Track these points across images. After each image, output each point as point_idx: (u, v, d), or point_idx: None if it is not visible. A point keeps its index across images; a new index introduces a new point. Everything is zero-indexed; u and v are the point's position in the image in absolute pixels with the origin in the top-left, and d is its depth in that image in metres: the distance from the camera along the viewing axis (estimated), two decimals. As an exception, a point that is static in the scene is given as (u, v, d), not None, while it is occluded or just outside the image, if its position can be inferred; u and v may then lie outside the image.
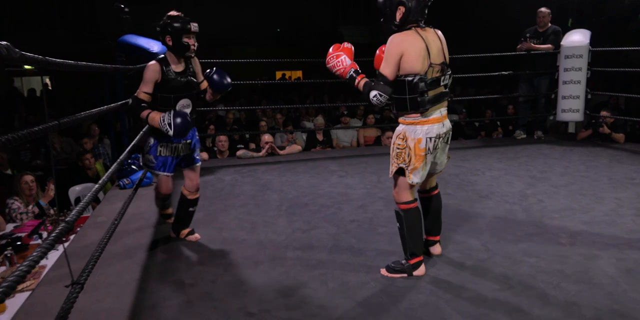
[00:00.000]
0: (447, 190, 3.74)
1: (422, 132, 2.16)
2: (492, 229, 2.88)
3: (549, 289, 2.12)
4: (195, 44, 2.56)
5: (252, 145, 5.78)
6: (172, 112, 2.51)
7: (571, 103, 5.46)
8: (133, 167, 4.06)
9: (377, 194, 3.69)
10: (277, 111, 7.84)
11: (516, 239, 2.71)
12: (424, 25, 2.17)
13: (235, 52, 14.99)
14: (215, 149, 5.37)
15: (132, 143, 3.25)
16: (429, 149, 2.19)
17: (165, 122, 2.47)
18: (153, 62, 2.54)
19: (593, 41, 5.37)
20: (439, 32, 2.24)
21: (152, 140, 2.67)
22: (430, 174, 2.38)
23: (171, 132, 2.46)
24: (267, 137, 5.38)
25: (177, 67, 2.59)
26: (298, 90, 12.68)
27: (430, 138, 2.18)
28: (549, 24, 5.46)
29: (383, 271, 2.33)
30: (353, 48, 2.31)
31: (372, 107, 7.84)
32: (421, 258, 2.30)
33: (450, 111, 7.74)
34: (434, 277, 2.28)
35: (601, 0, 15.74)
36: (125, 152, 2.99)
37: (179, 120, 2.47)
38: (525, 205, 3.29)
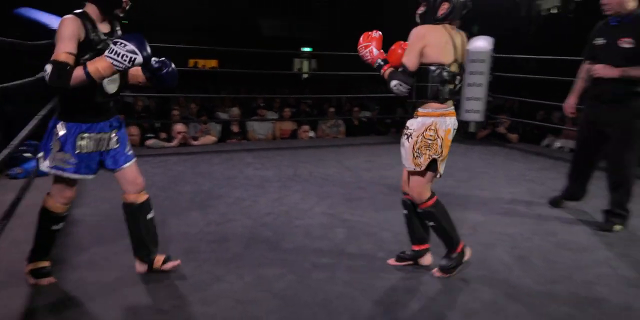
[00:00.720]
0: (361, 184, 3.85)
1: (451, 123, 2.18)
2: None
3: (453, 276, 2.27)
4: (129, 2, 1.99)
5: (163, 135, 5.50)
6: (120, 37, 1.81)
7: (473, 104, 5.87)
8: (26, 155, 3.68)
9: (293, 187, 3.70)
10: (191, 100, 7.55)
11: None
12: (453, 25, 2.22)
13: (150, 36, 14.21)
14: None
15: (28, 128, 2.93)
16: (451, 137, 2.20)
17: (125, 51, 1.76)
18: (69, 15, 1.85)
19: (495, 48, 5.81)
20: (464, 35, 2.27)
21: (62, 130, 1.93)
22: None
23: (140, 58, 1.78)
24: (179, 127, 5.16)
25: (102, 27, 1.94)
26: (213, 80, 12.31)
27: (455, 129, 2.21)
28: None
29: (437, 272, 2.27)
30: (381, 36, 2.29)
31: (288, 100, 7.86)
32: (462, 242, 2.28)
33: (363, 108, 8.01)
34: (348, 268, 2.33)
35: (502, 13, 17.09)
36: (18, 138, 2.69)
37: (134, 39, 1.79)
38: (432, 199, 3.49)
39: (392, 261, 2.41)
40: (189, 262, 2.33)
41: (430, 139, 2.15)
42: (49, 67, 1.77)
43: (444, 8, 2.12)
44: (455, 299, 2.07)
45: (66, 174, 1.97)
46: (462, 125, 6.62)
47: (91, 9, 1.92)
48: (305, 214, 3.10)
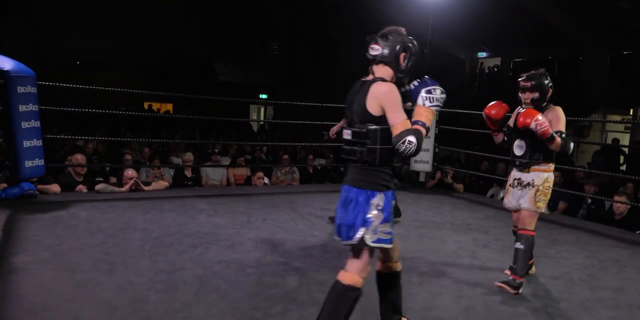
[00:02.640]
0: (314, 232, 3.90)
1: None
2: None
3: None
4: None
5: (113, 179, 5.39)
6: (420, 85, 1.99)
7: (422, 155, 6.16)
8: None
9: (247, 235, 3.69)
10: (144, 144, 7.47)
11: (373, 279, 2.91)
12: None
13: (98, 77, 14.08)
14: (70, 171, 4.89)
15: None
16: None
17: (438, 95, 1.97)
18: (388, 83, 1.95)
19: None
20: None
21: (381, 200, 1.95)
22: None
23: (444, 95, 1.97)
24: (130, 173, 5.07)
25: None
26: (167, 124, 12.24)
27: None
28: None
29: (503, 285, 2.78)
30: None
31: (244, 147, 7.93)
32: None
33: (318, 155, 8.20)
34: (300, 317, 2.34)
35: (446, 69, 18.28)
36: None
37: (432, 81, 2.00)
38: (383, 247, 3.58)
39: (507, 271, 3.01)
40: (135, 312, 2.27)
41: (548, 189, 2.90)
42: (413, 138, 1.84)
43: (550, 92, 2.89)
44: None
45: (387, 245, 1.96)
46: (412, 175, 6.89)
47: (386, 72, 1.98)
48: (258, 261, 3.10)
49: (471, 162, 8.85)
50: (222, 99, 5.89)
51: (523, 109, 2.90)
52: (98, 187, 4.89)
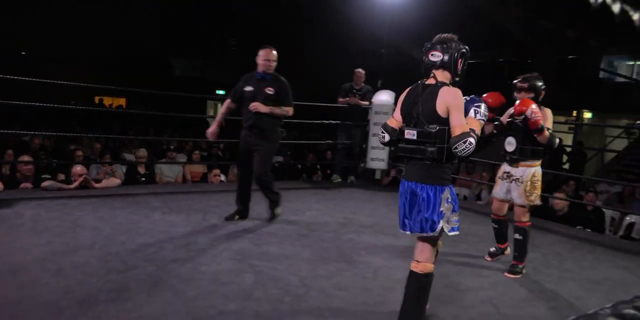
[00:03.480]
0: (270, 229, 3.91)
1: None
2: (310, 266, 3.10)
3: (355, 319, 2.37)
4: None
5: (61, 176, 5.18)
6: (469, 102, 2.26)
7: (378, 153, 6.28)
8: None
9: (202, 232, 3.65)
10: (95, 140, 7.21)
11: (330, 275, 2.96)
12: None
13: (45, 69, 13.43)
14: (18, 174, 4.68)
15: None
16: None
17: (484, 110, 2.25)
18: (456, 88, 2.16)
19: (396, 101, 6.34)
20: None
21: (449, 194, 2.19)
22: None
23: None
24: (79, 169, 4.88)
25: None
26: (120, 119, 11.86)
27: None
28: (363, 84, 6.29)
29: (509, 275, 3.13)
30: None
31: (200, 144, 7.80)
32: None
33: (276, 153, 8.16)
34: (255, 314, 2.35)
35: (403, 69, 18.63)
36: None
37: (478, 100, 2.30)
38: (339, 243, 3.63)
39: (487, 257, 3.45)
40: (85, 313, 2.21)
41: (538, 181, 3.16)
42: (473, 140, 2.03)
43: (542, 94, 3.20)
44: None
45: (457, 232, 2.20)
46: (368, 173, 7.00)
47: (446, 76, 2.18)
48: (213, 259, 3.07)
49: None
50: (178, 94, 5.77)
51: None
52: (45, 184, 4.68)
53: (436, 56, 2.16)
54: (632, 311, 0.81)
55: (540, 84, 3.14)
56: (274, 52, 3.93)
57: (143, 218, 3.92)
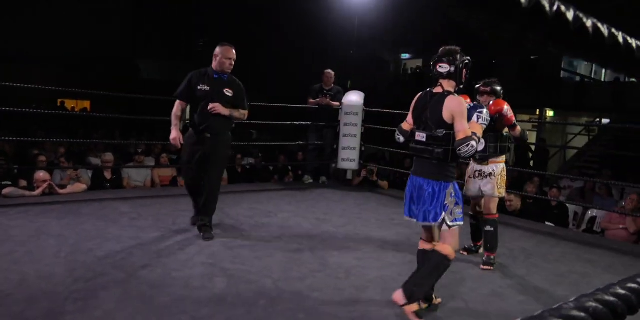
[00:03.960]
0: (243, 232, 3.88)
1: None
2: (283, 268, 3.09)
3: (329, 319, 2.38)
4: None
5: (23, 183, 4.99)
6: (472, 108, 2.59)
7: (349, 153, 6.31)
8: None
9: (172, 237, 3.59)
10: (58, 144, 6.99)
11: (303, 276, 2.97)
12: None
13: (7, 71, 12.93)
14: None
15: None
16: None
17: (485, 115, 2.60)
18: (460, 97, 2.52)
19: (366, 102, 6.39)
20: None
21: (453, 189, 2.48)
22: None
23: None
24: (42, 175, 4.71)
25: None
26: (84, 123, 11.53)
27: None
28: (333, 84, 6.32)
29: (485, 266, 3.33)
30: None
31: (170, 147, 7.67)
32: None
33: (247, 155, 8.12)
34: (228, 318, 2.32)
35: (372, 70, 18.82)
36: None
37: (481, 106, 2.73)
38: (311, 245, 3.64)
39: (462, 251, 3.55)
40: (51, 324, 2.14)
41: (503, 176, 3.41)
42: (475, 143, 2.32)
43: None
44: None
45: (460, 223, 2.44)
46: (339, 173, 7.03)
47: (451, 85, 2.45)
48: (185, 264, 3.03)
49: (395, 159, 9.19)
50: (145, 96, 5.66)
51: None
52: (5, 191, 4.51)
53: (444, 68, 2.43)
54: (593, 304, 0.85)
55: (499, 88, 3.43)
56: (234, 51, 3.62)
57: (111, 224, 3.83)
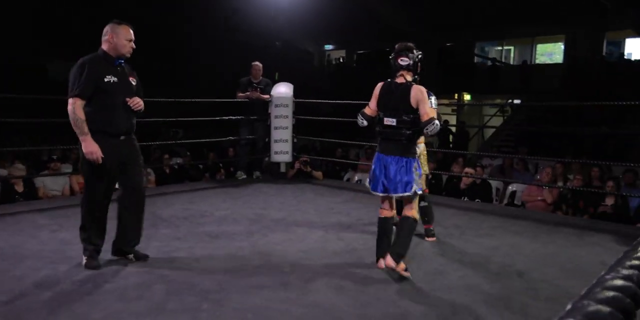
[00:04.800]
0: (178, 234, 3.70)
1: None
2: (225, 268, 2.98)
3: (279, 315, 2.32)
4: None
5: None
6: None
7: (281, 146, 6.25)
8: None
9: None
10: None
11: (247, 274, 2.87)
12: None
13: None
14: None
15: None
16: None
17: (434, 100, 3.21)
18: (421, 86, 2.87)
19: (295, 93, 6.34)
20: None
21: (416, 164, 2.94)
22: None
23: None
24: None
25: None
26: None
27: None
28: (261, 77, 6.19)
29: (429, 238, 3.64)
30: None
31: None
32: None
33: (174, 154, 7.80)
34: (171, 327, 2.19)
35: (297, 61, 18.79)
36: None
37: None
38: (252, 241, 3.54)
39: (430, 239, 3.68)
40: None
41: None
42: (437, 122, 2.73)
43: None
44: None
45: (422, 191, 2.95)
46: (273, 167, 6.95)
47: (410, 76, 2.86)
48: (117, 274, 2.82)
49: (326, 149, 9.26)
50: (54, 97, 5.19)
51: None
52: None
53: (405, 61, 2.82)
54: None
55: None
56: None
57: (28, 238, 3.49)
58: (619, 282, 0.73)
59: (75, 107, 2.79)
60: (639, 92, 9.75)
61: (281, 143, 6.24)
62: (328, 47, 20.08)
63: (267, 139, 6.36)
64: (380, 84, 2.94)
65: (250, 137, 6.25)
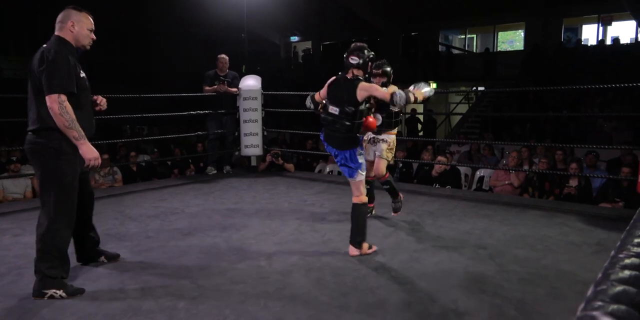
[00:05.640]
0: (149, 233, 3.61)
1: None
2: (200, 265, 2.93)
3: (258, 310, 2.29)
4: None
5: None
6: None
7: (252, 139, 6.17)
8: None
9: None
10: None
11: (223, 270, 2.83)
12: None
13: None
14: None
15: None
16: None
17: (428, 86, 3.12)
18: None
19: (263, 86, 6.26)
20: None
21: (360, 151, 3.10)
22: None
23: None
24: None
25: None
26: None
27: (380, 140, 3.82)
28: (228, 70, 6.08)
29: (396, 213, 3.92)
30: None
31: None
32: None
33: (141, 151, 7.60)
34: (148, 328, 2.14)
35: (264, 53, 18.57)
36: None
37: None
38: (226, 236, 3.49)
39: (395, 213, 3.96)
40: None
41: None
42: (398, 92, 2.88)
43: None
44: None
45: (363, 178, 3.08)
46: (243, 161, 6.87)
47: (360, 73, 3.01)
48: (88, 278, 2.73)
49: (297, 141, 9.22)
50: (10, 96, 4.95)
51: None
52: None
53: (354, 60, 2.99)
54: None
55: (389, 68, 3.71)
56: None
57: (-10, 244, 3.33)
58: (636, 261, 0.74)
59: (64, 105, 2.37)
60: (596, 77, 10.11)
61: (251, 136, 6.17)
62: (294, 39, 19.92)
63: (236, 133, 6.26)
64: (333, 77, 3.15)
65: (219, 131, 6.15)
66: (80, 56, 2.61)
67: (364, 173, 3.08)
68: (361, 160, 3.04)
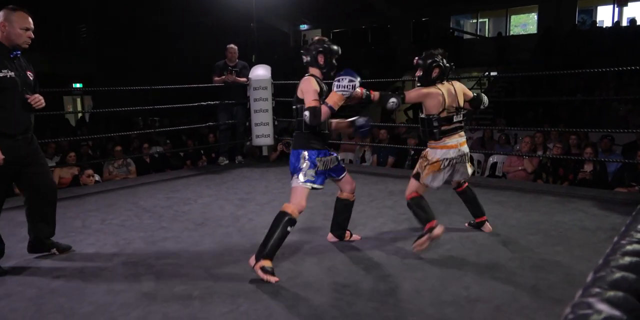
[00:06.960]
0: (163, 223, 3.65)
1: (440, 154, 3.04)
2: (214, 255, 2.96)
3: (271, 298, 2.32)
4: None
5: None
6: (339, 74, 2.70)
7: (263, 129, 6.18)
8: None
9: (85, 240, 3.27)
10: None
11: (236, 260, 2.86)
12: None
13: None
14: None
15: None
16: (444, 165, 3.01)
17: (346, 82, 2.62)
18: (309, 77, 2.79)
19: (273, 75, 6.24)
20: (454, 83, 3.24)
21: (307, 155, 2.73)
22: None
23: (357, 82, 2.65)
24: None
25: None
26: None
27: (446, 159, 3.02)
28: (237, 60, 6.07)
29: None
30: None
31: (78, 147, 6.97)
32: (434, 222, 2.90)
33: (153, 143, 7.66)
34: (164, 316, 2.18)
35: (273, 43, 18.50)
36: None
37: (346, 73, 2.64)
38: (239, 226, 3.52)
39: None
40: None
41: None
42: (307, 112, 2.61)
43: (435, 72, 3.05)
44: (276, 307, 2.12)
45: (314, 185, 2.72)
46: (255, 151, 6.89)
47: (315, 71, 2.82)
48: (104, 268, 2.78)
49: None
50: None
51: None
52: None
53: (304, 59, 2.87)
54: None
55: (427, 61, 3.06)
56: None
57: (9, 236, 3.39)
58: (638, 247, 0.72)
59: None
60: (611, 59, 9.88)
61: (262, 126, 6.17)
62: (303, 27, 19.76)
63: (247, 123, 6.27)
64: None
65: (230, 121, 6.16)
66: (16, 55, 2.67)
67: (307, 185, 2.67)
68: (305, 166, 2.68)
